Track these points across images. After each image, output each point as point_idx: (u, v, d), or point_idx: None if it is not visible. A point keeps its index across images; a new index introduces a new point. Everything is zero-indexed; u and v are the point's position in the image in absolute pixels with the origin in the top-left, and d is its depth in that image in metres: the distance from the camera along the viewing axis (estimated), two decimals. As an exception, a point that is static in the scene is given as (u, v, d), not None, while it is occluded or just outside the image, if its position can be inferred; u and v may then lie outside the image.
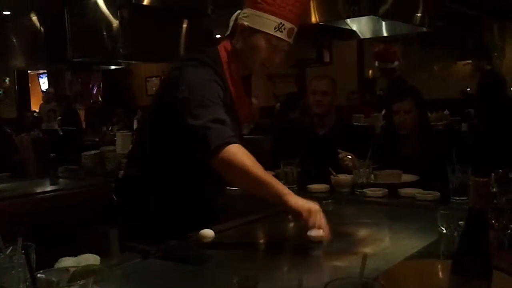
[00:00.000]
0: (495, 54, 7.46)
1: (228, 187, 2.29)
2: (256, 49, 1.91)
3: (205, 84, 1.81)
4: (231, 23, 1.97)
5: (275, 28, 1.86)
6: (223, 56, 1.96)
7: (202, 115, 1.73)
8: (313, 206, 1.70)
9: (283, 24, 1.86)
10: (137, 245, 1.63)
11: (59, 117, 8.12)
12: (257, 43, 1.90)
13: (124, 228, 2.12)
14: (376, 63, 5.66)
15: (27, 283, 1.04)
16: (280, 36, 1.88)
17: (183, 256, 1.56)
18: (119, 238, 2.11)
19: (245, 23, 1.90)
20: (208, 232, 1.76)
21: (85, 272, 1.01)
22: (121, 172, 3.47)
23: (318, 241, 1.64)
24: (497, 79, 5.88)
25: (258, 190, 1.76)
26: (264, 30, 1.87)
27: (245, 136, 4.43)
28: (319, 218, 1.67)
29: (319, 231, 1.64)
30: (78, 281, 0.97)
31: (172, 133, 1.90)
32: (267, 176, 1.76)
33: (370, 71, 8.77)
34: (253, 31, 1.89)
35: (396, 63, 5.55)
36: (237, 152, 1.71)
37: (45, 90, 11.00)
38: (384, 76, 5.73)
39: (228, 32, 1.99)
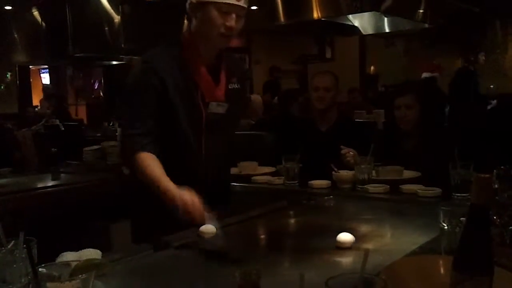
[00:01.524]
0: (498, 50, 7.45)
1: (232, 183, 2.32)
2: (209, 21, 1.96)
3: (136, 91, 2.00)
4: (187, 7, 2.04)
5: None
6: (184, 41, 2.07)
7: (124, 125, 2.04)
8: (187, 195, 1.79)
9: None
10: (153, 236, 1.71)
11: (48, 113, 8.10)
12: (209, 15, 1.94)
13: (132, 223, 2.14)
14: (423, 74, 6.05)
15: (29, 277, 1.04)
16: (228, 1, 1.92)
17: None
18: (132, 231, 2.14)
19: (193, 0, 1.96)
20: (209, 228, 1.77)
21: (86, 266, 1.01)
22: (124, 167, 3.48)
23: (346, 247, 1.61)
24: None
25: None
26: (212, 0, 1.91)
27: (247, 132, 4.44)
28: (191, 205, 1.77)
29: (347, 235, 1.63)
30: (80, 275, 0.96)
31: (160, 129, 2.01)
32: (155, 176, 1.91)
33: (372, 67, 8.75)
34: (201, 4, 1.95)
35: (429, 73, 5.97)
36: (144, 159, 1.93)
37: (45, 86, 11.01)
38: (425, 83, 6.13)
39: (186, 16, 2.07)
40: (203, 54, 2.07)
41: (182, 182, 1.88)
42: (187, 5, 2.01)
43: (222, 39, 2.01)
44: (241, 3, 1.95)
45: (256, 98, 6.25)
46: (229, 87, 2.14)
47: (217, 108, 2.09)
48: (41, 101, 9.70)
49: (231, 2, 1.92)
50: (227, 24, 1.95)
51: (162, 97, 1.97)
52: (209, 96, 2.07)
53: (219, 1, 1.91)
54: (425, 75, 6.12)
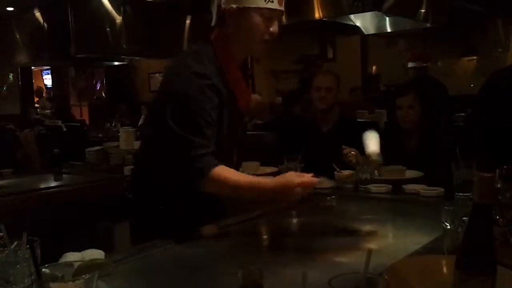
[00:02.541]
0: (500, 50, 7.43)
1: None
2: (252, 28, 1.86)
3: (199, 109, 1.78)
4: (215, 11, 1.92)
5: (265, 1, 1.83)
6: (217, 48, 1.92)
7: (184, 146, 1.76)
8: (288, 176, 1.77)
9: None
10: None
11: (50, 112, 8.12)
12: (251, 21, 1.85)
13: (135, 224, 2.12)
14: (409, 64, 5.83)
15: (32, 277, 1.05)
16: (271, 6, 1.84)
17: None
18: (131, 233, 2.12)
19: (233, 5, 1.84)
20: (211, 228, 1.77)
21: (90, 266, 1.01)
22: (126, 168, 3.49)
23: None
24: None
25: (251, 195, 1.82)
26: (254, 5, 1.83)
27: (248, 132, 4.44)
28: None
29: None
30: (83, 275, 0.97)
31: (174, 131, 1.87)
32: (251, 180, 1.82)
33: (374, 67, 8.74)
34: (243, 11, 1.84)
35: (421, 63, 5.81)
36: (221, 173, 1.77)
37: (38, 88, 11.05)
38: (416, 74, 5.90)
39: (214, 22, 1.94)
40: (238, 60, 1.97)
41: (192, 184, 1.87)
42: (223, 11, 1.87)
43: (263, 45, 1.93)
44: (282, 7, 1.89)
45: (255, 98, 6.24)
46: None
47: (246, 117, 2.06)
48: (39, 102, 9.72)
49: (274, 7, 1.85)
50: (271, 30, 1.88)
51: (219, 114, 1.85)
52: (244, 104, 2.00)
53: (262, 6, 1.83)
54: (411, 65, 5.94)
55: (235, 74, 1.95)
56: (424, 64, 5.76)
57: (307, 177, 1.76)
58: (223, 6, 1.86)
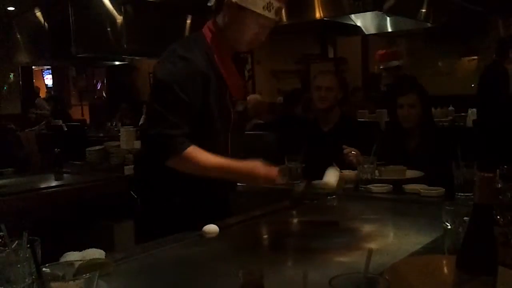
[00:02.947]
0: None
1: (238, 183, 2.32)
2: (243, 28, 1.89)
3: (179, 91, 1.83)
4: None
5: (263, 8, 1.83)
6: (208, 36, 1.96)
7: (158, 124, 1.84)
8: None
9: (272, 3, 1.84)
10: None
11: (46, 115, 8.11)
12: (245, 21, 1.88)
13: (140, 222, 2.13)
14: (381, 66, 5.72)
15: (33, 277, 1.05)
16: (268, 15, 1.86)
17: None
18: (136, 232, 2.13)
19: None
20: (212, 228, 1.77)
21: (90, 266, 1.02)
22: (126, 167, 3.49)
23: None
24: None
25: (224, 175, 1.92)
26: (253, 9, 1.84)
27: (249, 132, 4.44)
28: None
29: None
30: (84, 275, 0.97)
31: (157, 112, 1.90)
32: (220, 161, 1.88)
33: (376, 67, 8.75)
34: (240, 8, 1.85)
35: (399, 61, 5.63)
36: (192, 153, 1.84)
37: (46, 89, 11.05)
38: (389, 75, 5.80)
39: (211, 4, 1.96)
40: (231, 49, 1.99)
41: (210, 183, 1.90)
42: (222, 0, 1.90)
43: (247, 46, 1.98)
44: (277, 18, 1.91)
45: (253, 97, 6.25)
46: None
47: (240, 106, 2.05)
48: (37, 102, 9.70)
49: (270, 16, 1.86)
50: (259, 36, 1.93)
51: (203, 97, 1.88)
52: (236, 94, 2.01)
53: (260, 12, 1.84)
54: (383, 66, 5.85)
55: (227, 63, 1.97)
56: (397, 63, 5.65)
57: (272, 172, 1.88)
58: None
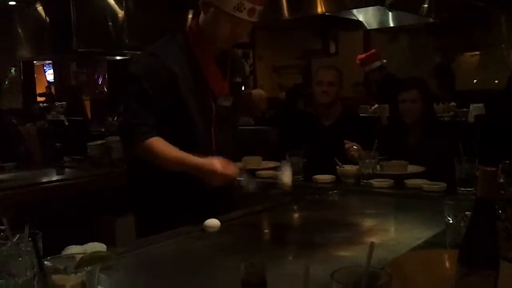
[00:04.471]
0: (503, 45, 7.41)
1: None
2: (216, 26, 1.93)
3: (142, 84, 1.91)
4: None
5: (234, 8, 1.85)
6: (190, 35, 2.03)
7: (125, 114, 1.99)
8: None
9: (243, 4, 1.85)
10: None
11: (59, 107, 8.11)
12: (218, 20, 1.91)
13: (139, 217, 2.14)
14: (365, 69, 5.76)
15: (35, 270, 1.05)
16: (239, 16, 1.87)
17: None
18: (136, 226, 2.13)
19: None
20: (214, 222, 1.77)
21: (92, 258, 1.01)
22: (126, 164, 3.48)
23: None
24: None
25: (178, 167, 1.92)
26: (223, 8, 1.87)
27: (251, 127, 4.44)
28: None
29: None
30: (85, 268, 0.97)
31: (170, 124, 1.96)
32: (180, 155, 1.91)
33: (364, 69, 8.74)
34: (213, 7, 1.90)
35: (381, 61, 5.69)
36: (153, 143, 1.90)
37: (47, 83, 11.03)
38: (374, 76, 5.84)
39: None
40: (212, 48, 2.03)
41: (194, 177, 1.89)
42: (200, 0, 1.97)
43: (226, 44, 2.01)
44: (253, 19, 1.91)
45: (258, 92, 6.23)
46: (234, 81, 2.14)
47: (224, 102, 2.08)
48: (47, 95, 9.68)
49: (242, 17, 1.88)
50: (237, 36, 1.95)
51: (172, 92, 1.93)
52: (218, 89, 2.04)
53: (230, 13, 1.86)
54: (368, 68, 5.87)
55: (208, 61, 2.02)
56: (379, 63, 5.69)
57: (230, 170, 1.87)
58: None
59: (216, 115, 2.04)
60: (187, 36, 2.03)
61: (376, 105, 5.75)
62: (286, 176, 2.15)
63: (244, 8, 1.85)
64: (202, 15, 1.99)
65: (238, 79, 2.18)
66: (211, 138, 2.04)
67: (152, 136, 1.90)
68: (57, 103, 8.55)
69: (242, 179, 2.01)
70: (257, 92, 2.60)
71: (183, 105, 1.96)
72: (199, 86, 1.99)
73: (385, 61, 5.82)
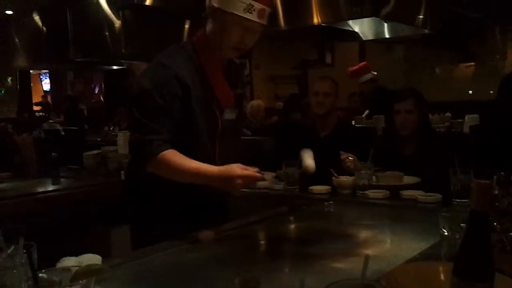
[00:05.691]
0: (497, 56, 7.46)
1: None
2: (226, 31, 1.89)
3: (157, 98, 1.85)
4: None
5: (244, 9, 1.84)
6: (197, 45, 1.98)
7: (138, 130, 1.87)
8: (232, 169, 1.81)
9: (253, 5, 1.84)
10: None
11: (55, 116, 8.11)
12: (227, 25, 1.88)
13: (135, 227, 2.12)
14: (359, 80, 5.79)
15: (29, 282, 1.04)
16: (249, 17, 1.85)
17: None
18: (131, 237, 2.12)
19: (215, 4, 1.88)
20: (208, 233, 1.77)
21: (87, 271, 1.01)
22: (123, 172, 3.48)
23: None
24: None
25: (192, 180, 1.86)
26: (233, 11, 1.84)
27: (247, 137, 4.44)
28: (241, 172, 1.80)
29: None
30: (80, 281, 0.96)
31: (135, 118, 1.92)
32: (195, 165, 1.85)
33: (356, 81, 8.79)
34: (222, 12, 1.87)
35: (372, 73, 5.71)
36: (167, 156, 1.82)
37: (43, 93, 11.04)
38: (366, 88, 5.87)
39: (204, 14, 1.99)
40: (219, 58, 2.00)
41: (197, 190, 1.88)
42: (207, 7, 1.94)
43: (234, 52, 1.97)
44: (262, 21, 1.89)
45: (256, 103, 6.26)
46: (237, 93, 2.13)
47: (230, 114, 2.05)
48: (43, 104, 9.68)
49: (252, 18, 1.85)
50: (244, 40, 1.91)
51: (183, 103, 1.88)
52: (224, 102, 2.01)
53: (240, 14, 1.84)
54: (361, 80, 5.88)
55: (215, 71, 1.98)
56: (370, 76, 5.71)
57: (250, 171, 1.82)
58: (208, 2, 1.92)
59: (222, 127, 2.01)
60: (194, 45, 1.99)
61: (367, 112, 5.77)
62: (307, 158, 2.14)
63: (254, 10, 1.84)
64: (209, 23, 1.95)
65: (241, 91, 2.18)
66: (214, 150, 2.00)
67: (166, 148, 1.82)
68: (54, 117, 8.54)
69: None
70: (255, 103, 2.61)
71: (193, 120, 1.91)
72: (207, 97, 1.95)
73: (375, 73, 5.86)
